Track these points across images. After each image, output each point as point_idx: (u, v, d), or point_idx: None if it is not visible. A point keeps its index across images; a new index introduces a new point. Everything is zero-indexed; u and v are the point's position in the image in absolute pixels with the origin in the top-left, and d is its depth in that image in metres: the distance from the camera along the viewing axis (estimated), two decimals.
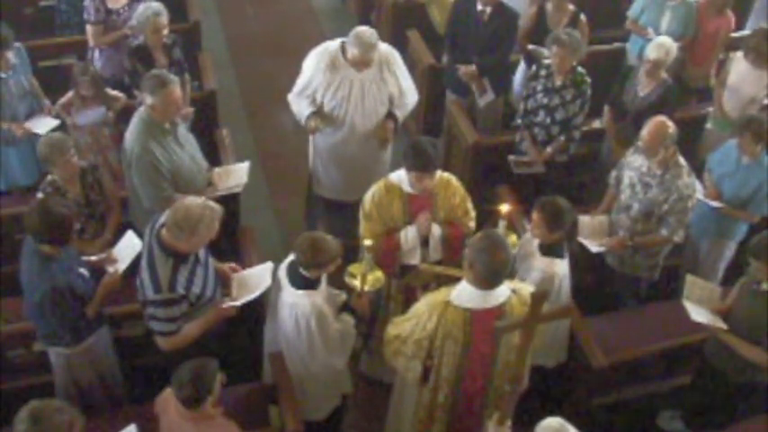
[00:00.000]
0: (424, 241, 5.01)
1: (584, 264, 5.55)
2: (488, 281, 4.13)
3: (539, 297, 3.83)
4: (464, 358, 4.28)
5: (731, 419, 4.98)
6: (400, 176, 5.02)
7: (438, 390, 4.44)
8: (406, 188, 4.97)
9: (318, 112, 5.74)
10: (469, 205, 5.14)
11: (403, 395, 4.78)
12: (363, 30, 5.58)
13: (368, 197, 5.04)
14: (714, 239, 5.87)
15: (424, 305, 4.30)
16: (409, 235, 4.98)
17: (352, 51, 5.53)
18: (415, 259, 5.01)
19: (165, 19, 5.96)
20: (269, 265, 4.92)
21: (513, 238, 4.99)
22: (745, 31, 7.57)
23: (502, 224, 4.77)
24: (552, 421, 3.80)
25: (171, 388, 4.07)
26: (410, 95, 5.93)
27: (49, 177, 5.15)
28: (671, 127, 5.24)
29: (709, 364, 5.05)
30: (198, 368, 3.99)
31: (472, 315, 4.18)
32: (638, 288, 5.85)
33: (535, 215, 4.85)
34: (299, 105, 5.82)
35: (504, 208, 4.73)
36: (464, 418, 4.56)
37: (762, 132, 5.43)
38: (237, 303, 4.65)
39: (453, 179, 5.12)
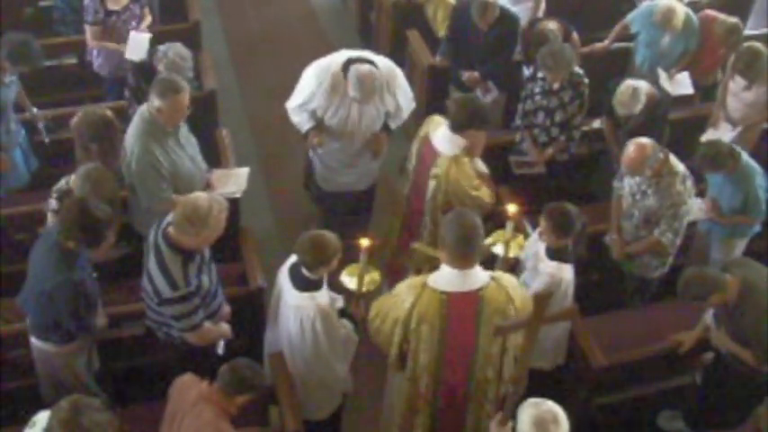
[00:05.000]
0: None
1: (589, 263, 5.56)
2: (460, 251, 4.13)
3: (542, 298, 3.81)
4: (442, 345, 4.28)
5: (742, 419, 4.96)
6: (453, 143, 5.23)
7: (418, 379, 4.44)
8: (461, 146, 5.22)
9: (319, 125, 5.75)
10: None
11: (392, 386, 4.79)
12: (365, 75, 5.44)
13: (460, 181, 5.21)
14: (725, 238, 5.87)
15: (404, 286, 4.33)
16: (480, 163, 5.43)
17: (353, 93, 5.50)
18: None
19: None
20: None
21: (520, 239, 4.98)
22: (746, 31, 7.56)
23: (509, 225, 4.76)
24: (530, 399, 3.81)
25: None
26: (406, 110, 5.92)
27: (62, 183, 5.14)
28: (649, 148, 5.24)
29: (723, 361, 5.05)
30: (246, 365, 4.14)
31: (448, 298, 4.18)
32: (647, 287, 5.85)
33: (543, 222, 4.85)
34: (299, 117, 5.81)
35: (512, 209, 4.72)
36: (447, 410, 4.56)
37: (719, 159, 5.44)
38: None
39: None
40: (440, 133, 5.30)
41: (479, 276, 4.24)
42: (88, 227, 4.41)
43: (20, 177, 6.17)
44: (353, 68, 5.47)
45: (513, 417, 3.93)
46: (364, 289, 4.66)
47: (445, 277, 4.23)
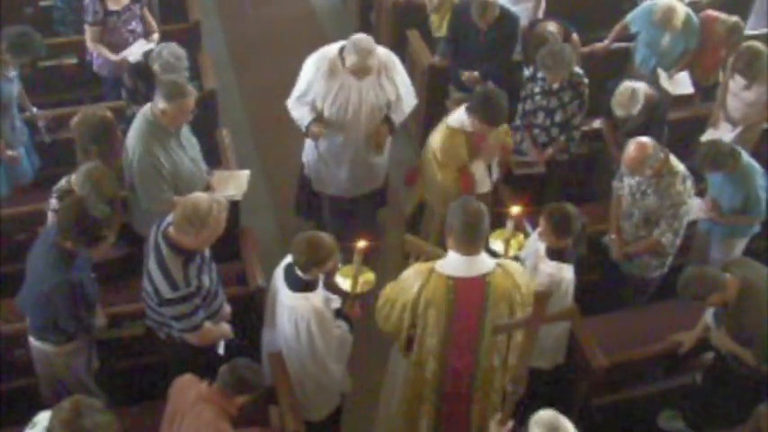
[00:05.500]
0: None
1: (589, 263, 5.56)
2: (467, 238, 4.24)
3: (542, 297, 3.82)
4: (448, 330, 4.35)
5: (742, 419, 4.96)
6: (460, 119, 5.54)
7: (424, 364, 4.49)
8: (467, 128, 5.51)
9: (319, 118, 5.74)
10: (506, 127, 5.81)
11: (395, 375, 4.82)
12: (360, 37, 5.54)
13: (436, 147, 5.61)
14: (726, 239, 5.87)
15: (411, 271, 4.42)
16: (478, 168, 5.65)
17: (351, 59, 5.49)
18: (485, 187, 5.73)
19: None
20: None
21: (520, 238, 4.99)
22: (746, 31, 7.55)
23: (510, 224, 4.76)
24: (545, 414, 3.77)
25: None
26: (407, 101, 5.91)
27: (62, 182, 5.14)
28: (650, 147, 5.24)
29: (723, 361, 5.05)
30: (246, 365, 4.15)
31: (455, 283, 4.27)
32: (647, 287, 5.84)
33: (543, 222, 4.85)
34: (300, 111, 5.81)
35: (514, 210, 4.73)
36: (453, 399, 4.60)
37: (720, 158, 5.45)
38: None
39: None
40: (461, 108, 5.66)
41: (486, 263, 4.32)
42: (86, 227, 4.41)
43: (24, 174, 6.18)
44: (349, 39, 5.54)
45: (513, 416, 3.93)
46: (359, 290, 4.66)
47: (452, 263, 4.31)
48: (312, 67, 5.70)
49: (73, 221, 4.40)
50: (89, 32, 6.53)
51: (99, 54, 6.58)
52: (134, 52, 6.36)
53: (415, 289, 4.33)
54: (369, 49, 5.48)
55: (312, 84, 5.69)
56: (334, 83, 5.63)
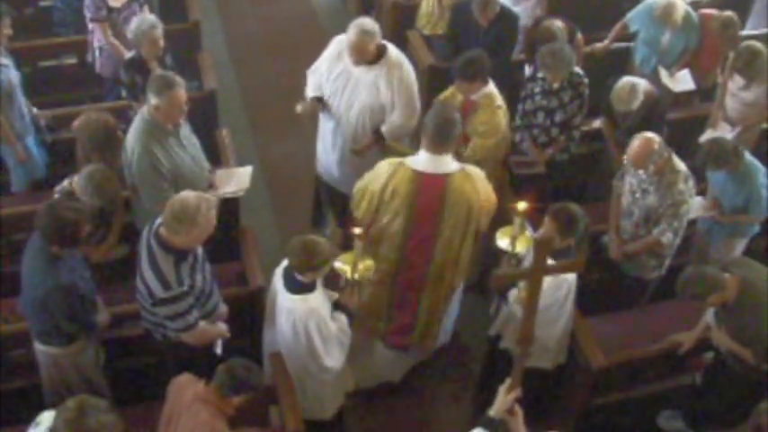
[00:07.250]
0: None
1: (589, 263, 5.55)
2: (436, 139, 4.80)
3: (543, 243, 3.73)
4: (410, 219, 4.89)
5: (742, 419, 4.97)
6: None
7: (380, 250, 4.99)
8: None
9: (319, 99, 5.78)
10: (482, 143, 5.59)
11: None
12: (365, 19, 5.57)
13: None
14: (726, 239, 5.88)
15: (385, 162, 4.97)
16: None
17: (349, 37, 5.50)
18: None
19: (160, 31, 5.92)
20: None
21: (527, 235, 4.98)
22: (746, 31, 7.56)
23: (518, 222, 4.75)
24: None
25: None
26: (401, 114, 5.68)
27: (65, 183, 5.13)
28: (656, 143, 5.25)
29: (723, 361, 5.05)
30: (242, 365, 4.14)
31: (419, 177, 4.83)
32: (645, 288, 5.84)
33: (548, 222, 4.84)
34: (309, 87, 5.89)
35: (521, 206, 4.72)
36: (405, 288, 5.14)
37: (723, 156, 5.44)
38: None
39: (498, 120, 5.65)
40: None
41: (450, 164, 4.88)
42: (60, 229, 4.38)
43: (35, 167, 6.20)
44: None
45: (522, 384, 3.87)
46: (358, 276, 4.66)
47: (420, 159, 4.89)
48: (331, 45, 5.80)
49: (48, 226, 4.38)
50: (102, 29, 6.55)
51: (114, 47, 6.57)
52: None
53: (383, 178, 4.87)
54: (369, 29, 5.46)
55: (324, 60, 5.78)
56: (338, 65, 5.68)
